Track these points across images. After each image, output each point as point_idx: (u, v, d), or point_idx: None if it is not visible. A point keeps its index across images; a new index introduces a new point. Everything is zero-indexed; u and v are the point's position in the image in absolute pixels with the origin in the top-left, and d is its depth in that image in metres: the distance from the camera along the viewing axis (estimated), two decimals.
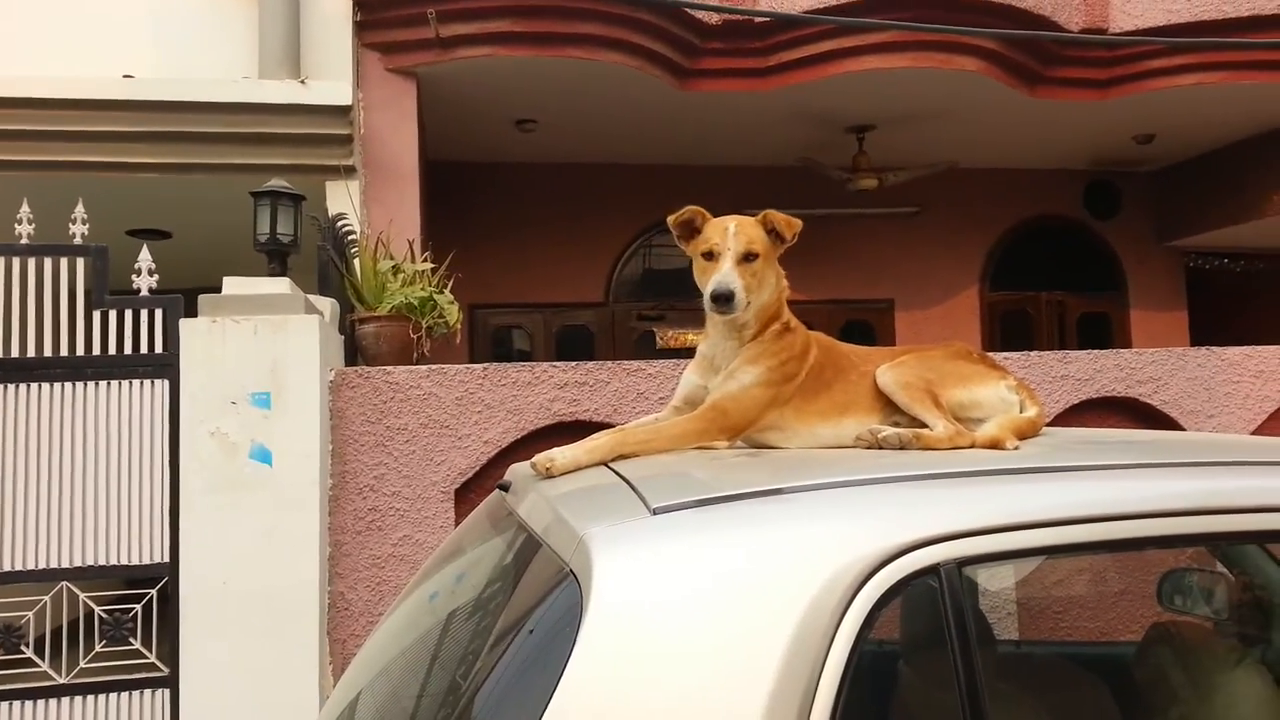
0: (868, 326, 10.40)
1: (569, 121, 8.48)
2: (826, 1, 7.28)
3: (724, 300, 1.93)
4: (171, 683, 3.67)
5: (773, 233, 2.04)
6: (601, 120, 8.47)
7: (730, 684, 1.21)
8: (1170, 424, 4.53)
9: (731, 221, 2.02)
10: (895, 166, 9.26)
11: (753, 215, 2.07)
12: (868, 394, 2.06)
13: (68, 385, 3.77)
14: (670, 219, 2.09)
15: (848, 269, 10.16)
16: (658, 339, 9.82)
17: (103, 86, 5.85)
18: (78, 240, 3.91)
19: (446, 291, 4.67)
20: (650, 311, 9.90)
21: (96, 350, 3.82)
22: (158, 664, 3.73)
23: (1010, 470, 1.67)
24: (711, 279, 1.95)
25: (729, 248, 1.97)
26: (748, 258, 1.98)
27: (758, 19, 7.25)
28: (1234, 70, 7.97)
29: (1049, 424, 4.30)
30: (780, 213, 2.05)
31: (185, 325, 3.75)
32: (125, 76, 5.97)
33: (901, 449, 1.87)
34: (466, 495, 3.97)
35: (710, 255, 2.00)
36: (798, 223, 2.04)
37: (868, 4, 7.21)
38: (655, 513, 1.38)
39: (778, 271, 2.09)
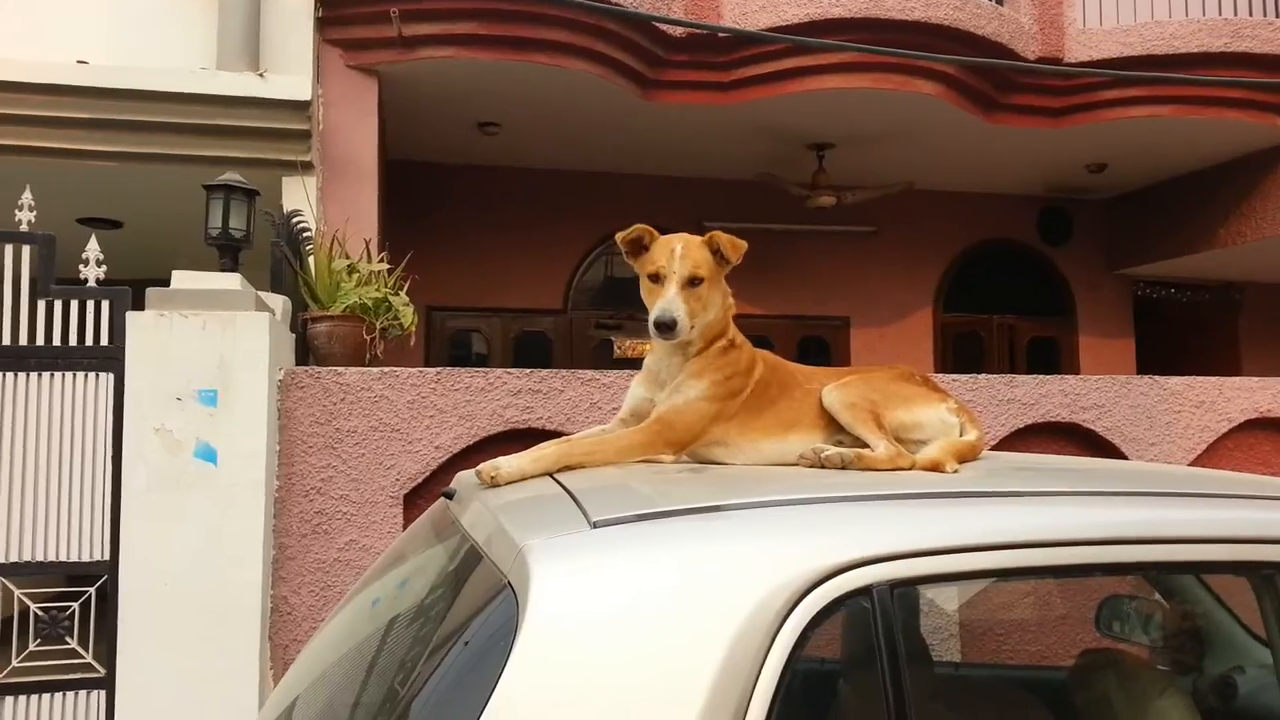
0: (823, 343, 10.51)
1: (532, 126, 8.48)
2: (787, 20, 7.37)
3: (666, 329, 1.96)
4: (108, 684, 3.59)
5: (718, 254, 2.05)
6: (565, 126, 8.49)
7: (662, 701, 1.22)
8: (1113, 451, 4.62)
9: (678, 243, 2.02)
10: (854, 185, 9.38)
11: (705, 232, 2.08)
12: (812, 412, 2.09)
13: (9, 375, 3.68)
14: (618, 236, 2.10)
15: (805, 285, 10.26)
16: (615, 348, 9.83)
17: (55, 71, 5.75)
18: (24, 227, 3.83)
19: (402, 293, 4.64)
20: (609, 320, 9.91)
21: (40, 340, 3.74)
22: (94, 664, 3.65)
23: (947, 494, 1.69)
24: (656, 305, 1.98)
25: (674, 272, 1.99)
26: (692, 282, 2.00)
27: (721, 34, 7.31)
28: (1183, 104, 8.20)
29: (994, 447, 4.39)
30: (726, 234, 2.06)
31: (132, 318, 3.69)
32: (79, 62, 5.87)
33: (843, 468, 1.90)
34: (416, 501, 3.95)
35: (656, 278, 2.02)
36: (743, 245, 2.06)
37: (828, 24, 7.32)
38: (595, 526, 1.39)
39: (724, 291, 2.11)
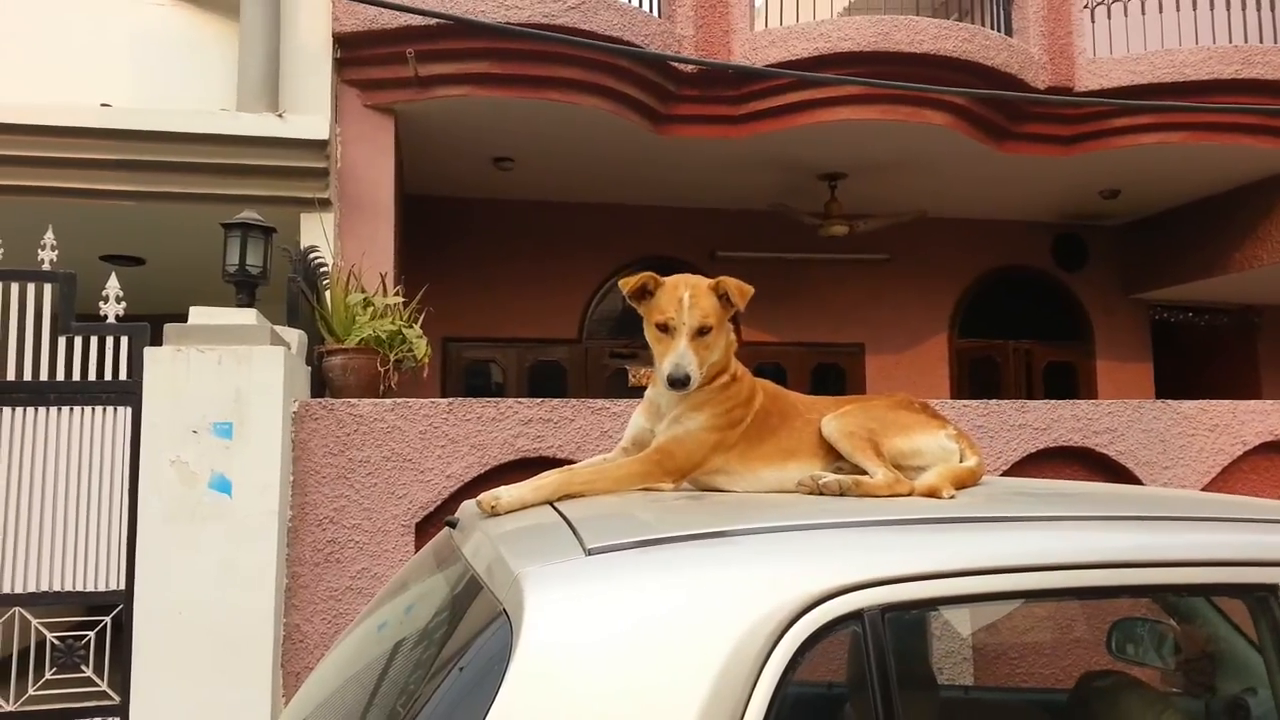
0: (839, 370, 10.51)
1: (546, 161, 8.58)
2: (797, 54, 7.45)
3: (680, 385, 1.96)
4: (122, 712, 3.64)
5: (724, 298, 2.06)
6: (578, 160, 8.58)
7: None
8: (1126, 475, 4.61)
9: (685, 290, 2.01)
10: (866, 214, 9.42)
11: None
12: (811, 441, 2.11)
13: (30, 410, 3.77)
14: (622, 284, 2.10)
15: (819, 313, 10.28)
16: (630, 377, 9.87)
17: (80, 114, 5.89)
18: (46, 266, 3.93)
19: (416, 325, 4.70)
20: (623, 349, 9.96)
21: (61, 376, 3.83)
22: (109, 692, 3.70)
23: (943, 519, 1.71)
24: (667, 360, 1.97)
25: (684, 324, 1.98)
26: (701, 331, 2.00)
27: (731, 71, 7.40)
28: (1194, 131, 8.20)
29: (1006, 472, 4.38)
30: (734, 280, 2.06)
31: (149, 353, 3.77)
32: (103, 105, 6.01)
33: (841, 495, 1.92)
34: (427, 529, 3.98)
35: (665, 328, 2.01)
36: (749, 290, 2.07)
37: (838, 58, 7.39)
38: (590, 553, 1.42)
39: (727, 330, 2.12)
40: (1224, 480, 4.75)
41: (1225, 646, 2.31)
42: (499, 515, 1.81)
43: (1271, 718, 2.11)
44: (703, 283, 2.05)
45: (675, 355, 1.97)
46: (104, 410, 3.79)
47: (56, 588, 3.70)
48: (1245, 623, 2.27)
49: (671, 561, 1.42)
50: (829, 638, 1.39)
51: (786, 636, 1.33)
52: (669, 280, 2.08)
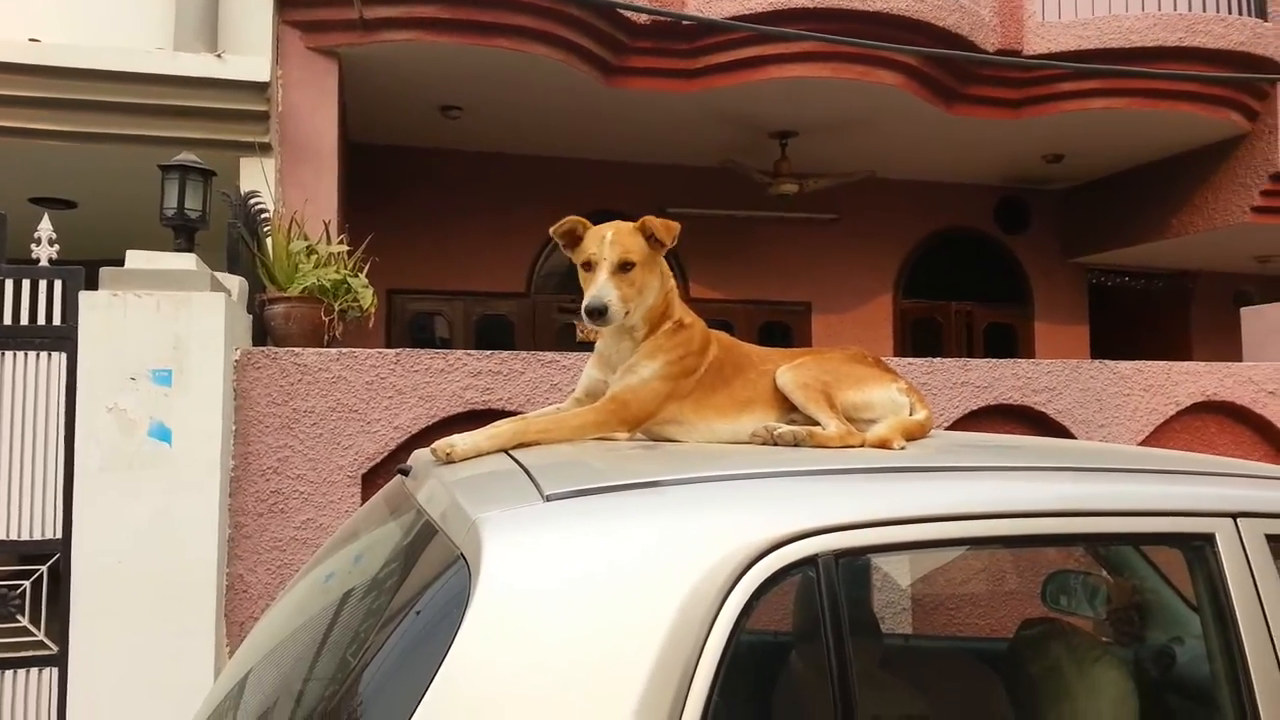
0: (785, 328, 10.60)
1: (495, 111, 8.45)
2: (752, 8, 7.39)
3: (598, 314, 1.96)
4: (60, 661, 3.57)
5: (652, 238, 2.06)
6: (528, 112, 8.46)
7: (608, 668, 1.25)
8: (1063, 432, 4.73)
9: (609, 230, 2.04)
10: (816, 173, 9.45)
11: (670, 218, 2.09)
12: (766, 392, 2.12)
13: None
14: (552, 230, 2.10)
15: (767, 271, 10.33)
16: (578, 331, 9.84)
17: (6, 49, 5.63)
18: None
19: (362, 275, 4.62)
20: (571, 304, 9.90)
21: None
22: (46, 642, 3.62)
23: (894, 469, 1.74)
24: (588, 294, 1.99)
25: (605, 258, 1.99)
26: (624, 267, 2.00)
27: (685, 21, 7.32)
28: (1138, 97, 8.34)
29: (948, 428, 4.47)
30: (659, 219, 2.07)
31: (85, 298, 3.65)
32: (31, 40, 5.75)
33: (795, 445, 1.94)
34: (374, 480, 3.95)
35: (589, 265, 2.03)
36: (675, 226, 2.07)
37: (792, 13, 7.36)
38: (548, 499, 1.42)
39: (663, 272, 2.12)
40: (1157, 438, 4.89)
41: (1154, 598, 2.39)
42: (454, 463, 1.80)
43: (1197, 664, 2.20)
44: (626, 224, 2.07)
45: (595, 287, 1.98)
46: (38, 356, 3.66)
47: None
48: (1175, 575, 2.35)
49: (631, 508, 1.43)
50: (784, 582, 1.41)
51: (743, 581, 1.35)
52: (596, 226, 2.09)
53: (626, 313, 2.01)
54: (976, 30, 8.05)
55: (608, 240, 2.01)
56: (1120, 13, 8.32)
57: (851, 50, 7.31)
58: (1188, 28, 8.19)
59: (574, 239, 2.10)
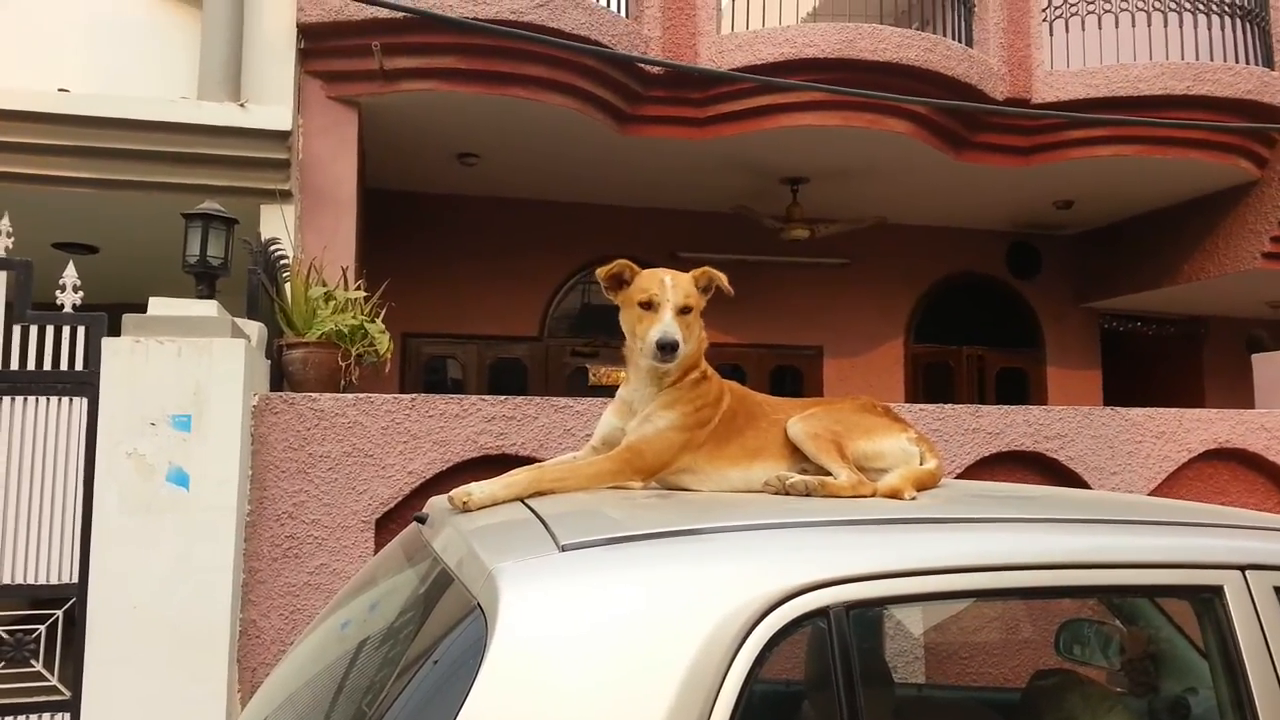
0: (797, 372, 10.62)
1: (511, 158, 8.56)
2: (763, 59, 7.51)
3: (670, 350, 2.01)
4: (73, 707, 3.58)
5: (707, 289, 2.15)
6: (543, 158, 8.57)
7: (623, 719, 1.27)
8: (1075, 480, 4.72)
9: (667, 274, 2.10)
10: (827, 219, 9.52)
11: (679, 263, 2.16)
12: (777, 442, 2.15)
13: None
14: (600, 272, 2.16)
15: (779, 316, 10.37)
16: (590, 376, 9.88)
17: (36, 99, 5.77)
18: (1, 253, 3.86)
19: (378, 320, 4.68)
20: (584, 348, 9.97)
21: (15, 365, 3.75)
22: (59, 687, 3.63)
23: (905, 520, 1.75)
24: (654, 329, 2.03)
25: (669, 300, 2.05)
26: (683, 310, 2.07)
27: (698, 73, 7.45)
28: (1146, 145, 8.40)
29: (959, 475, 4.47)
30: (716, 270, 2.16)
31: (107, 344, 3.71)
32: (60, 90, 5.89)
33: (807, 495, 1.96)
34: (388, 525, 3.97)
35: (649, 305, 2.07)
36: (723, 276, 2.17)
37: (802, 63, 7.47)
38: (564, 549, 1.44)
39: (701, 325, 2.18)
40: (1170, 486, 4.87)
41: (1168, 648, 2.38)
42: (470, 511, 1.82)
43: (1211, 715, 2.19)
44: (683, 274, 2.14)
45: (663, 325, 2.03)
46: (60, 401, 3.72)
47: (6, 580, 3.63)
48: (1188, 625, 2.35)
49: (645, 558, 1.45)
50: (796, 634, 1.43)
51: (755, 632, 1.36)
52: (647, 270, 2.15)
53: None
54: (986, 79, 8.14)
55: (669, 284, 2.07)
56: (1128, 61, 8.40)
57: (861, 100, 7.40)
58: (1195, 76, 8.26)
59: (620, 281, 2.16)
